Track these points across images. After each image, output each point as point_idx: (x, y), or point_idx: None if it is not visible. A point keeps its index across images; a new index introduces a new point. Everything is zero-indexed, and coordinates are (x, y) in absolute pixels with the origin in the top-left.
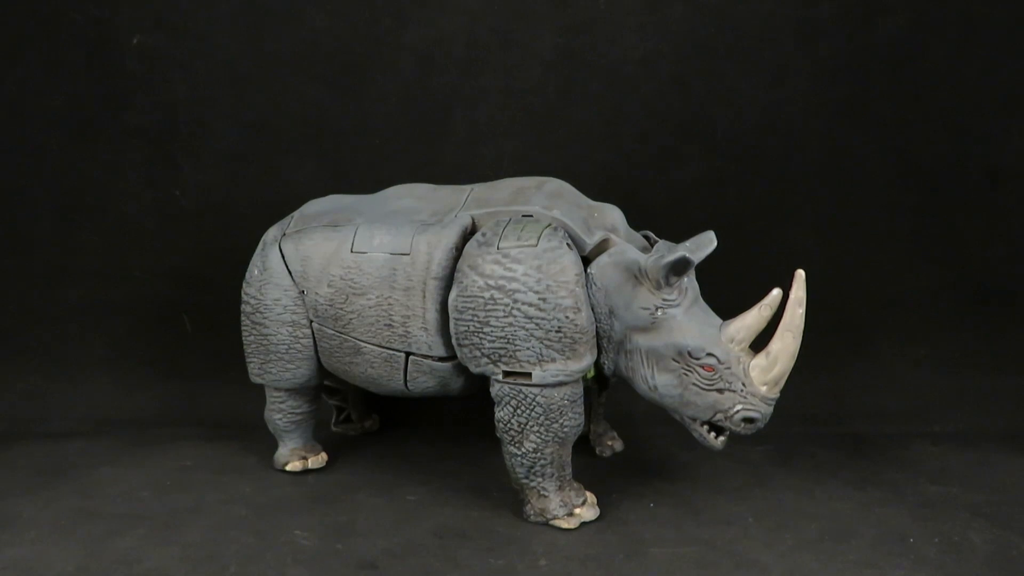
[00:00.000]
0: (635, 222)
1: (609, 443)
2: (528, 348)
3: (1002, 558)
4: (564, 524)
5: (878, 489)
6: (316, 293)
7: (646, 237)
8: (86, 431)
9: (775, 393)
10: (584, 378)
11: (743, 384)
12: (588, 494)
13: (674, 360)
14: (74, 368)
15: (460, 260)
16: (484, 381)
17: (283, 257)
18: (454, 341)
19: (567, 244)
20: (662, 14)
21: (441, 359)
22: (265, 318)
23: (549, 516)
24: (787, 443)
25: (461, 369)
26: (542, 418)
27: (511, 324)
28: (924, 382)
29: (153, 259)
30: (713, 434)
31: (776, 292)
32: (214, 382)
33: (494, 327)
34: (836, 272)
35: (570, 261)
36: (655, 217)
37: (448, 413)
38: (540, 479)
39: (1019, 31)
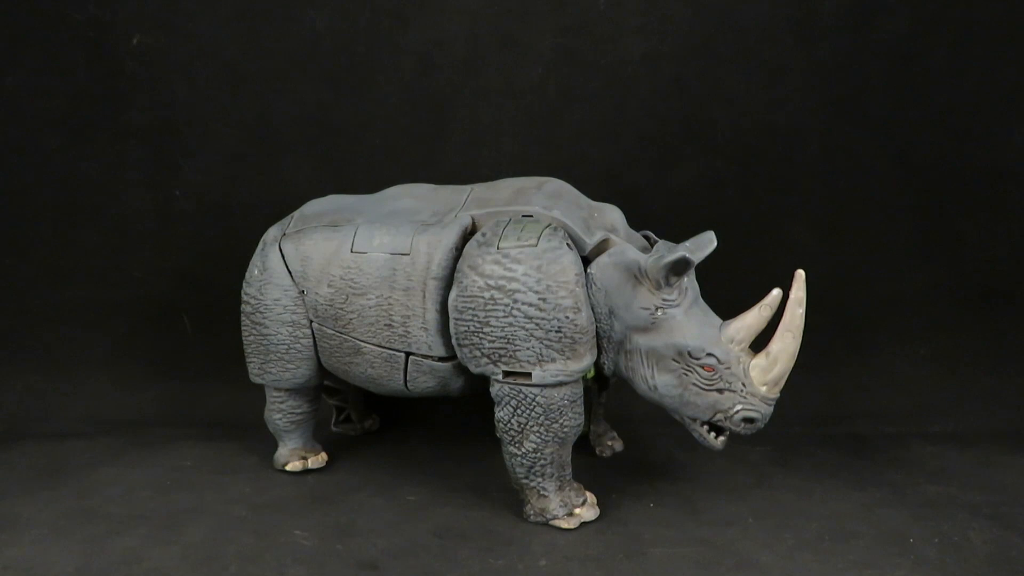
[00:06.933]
0: (635, 222)
1: (609, 443)
2: (528, 348)
3: (1002, 558)
4: (564, 524)
5: (878, 489)
6: (316, 293)
7: (646, 237)
8: (86, 431)
9: (775, 393)
10: (584, 378)
11: (743, 384)
12: (588, 494)
13: (674, 360)
14: (74, 368)
15: (460, 260)
16: (484, 381)
17: (283, 257)
18: (454, 341)
19: (567, 244)
20: (662, 14)
21: (441, 359)
22: (265, 318)
23: (549, 516)
24: (787, 443)
25: (461, 369)
26: (542, 418)
27: (511, 324)
28: (924, 382)
29: (153, 259)
30: (713, 434)
31: (776, 292)
32: (214, 382)
33: (494, 327)
34: (836, 272)
35: (570, 261)
36: (655, 217)
37: (448, 413)
38: (540, 479)
39: (1019, 31)
